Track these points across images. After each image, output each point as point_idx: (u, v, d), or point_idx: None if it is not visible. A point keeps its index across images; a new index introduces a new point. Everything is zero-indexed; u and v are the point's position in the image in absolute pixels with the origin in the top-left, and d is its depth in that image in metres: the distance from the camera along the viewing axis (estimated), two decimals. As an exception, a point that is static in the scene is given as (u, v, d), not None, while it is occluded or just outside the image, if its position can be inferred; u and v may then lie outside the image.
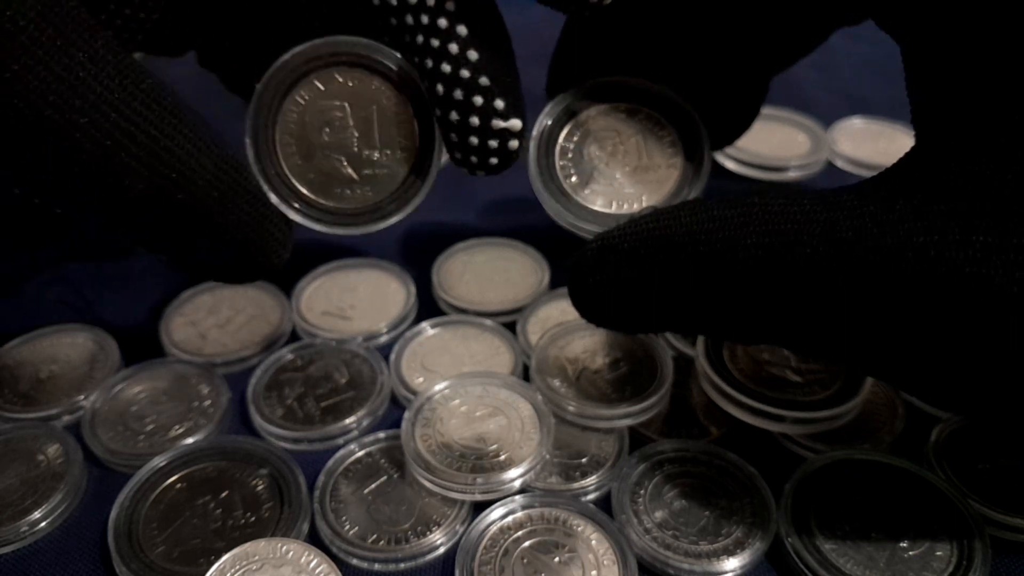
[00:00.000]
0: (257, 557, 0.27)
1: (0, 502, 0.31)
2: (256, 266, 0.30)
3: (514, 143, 0.28)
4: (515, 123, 0.27)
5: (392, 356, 0.37)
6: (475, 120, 0.27)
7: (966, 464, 0.31)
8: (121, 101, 0.24)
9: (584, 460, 0.32)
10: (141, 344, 0.38)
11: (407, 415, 0.32)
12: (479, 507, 0.30)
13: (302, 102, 0.29)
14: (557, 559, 0.28)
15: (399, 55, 0.29)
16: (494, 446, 0.31)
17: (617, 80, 0.32)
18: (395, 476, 0.31)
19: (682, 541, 0.29)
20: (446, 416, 0.32)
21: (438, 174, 0.30)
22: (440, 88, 0.27)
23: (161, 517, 0.30)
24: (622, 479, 0.31)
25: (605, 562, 0.28)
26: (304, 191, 0.30)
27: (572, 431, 0.33)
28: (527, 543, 0.29)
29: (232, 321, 0.39)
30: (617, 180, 0.32)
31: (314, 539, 0.30)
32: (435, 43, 0.27)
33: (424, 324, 0.38)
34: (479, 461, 0.30)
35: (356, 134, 0.29)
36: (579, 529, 0.29)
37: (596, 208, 0.31)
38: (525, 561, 0.28)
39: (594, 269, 0.27)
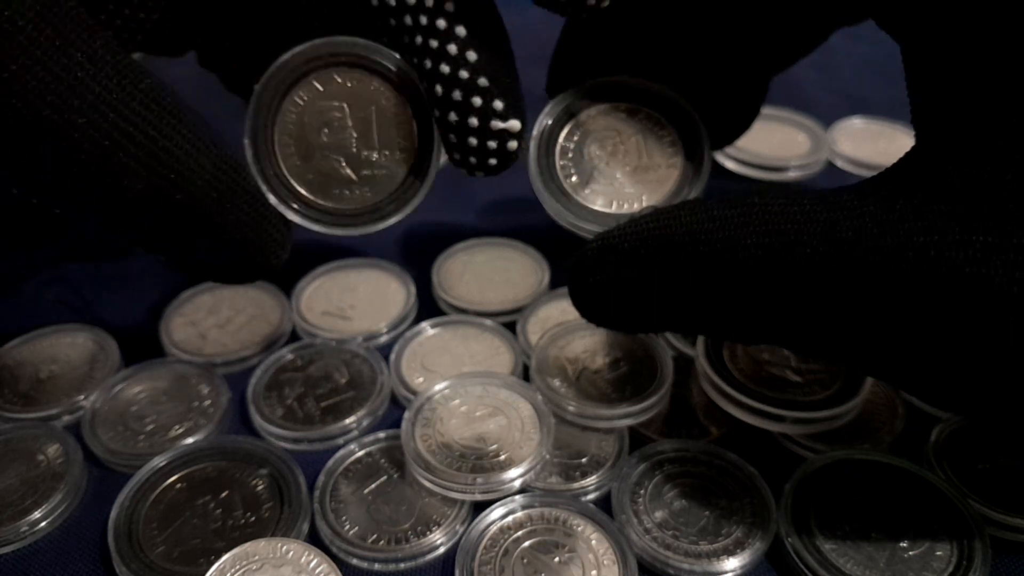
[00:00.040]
0: (257, 557, 0.27)
1: (0, 502, 0.31)
2: (255, 266, 0.30)
3: (513, 144, 0.28)
4: (514, 124, 0.27)
5: (392, 356, 0.37)
6: (474, 121, 0.27)
7: (966, 464, 0.31)
8: (119, 101, 0.24)
9: (584, 460, 0.32)
10: (141, 344, 0.38)
11: (407, 415, 0.32)
12: (479, 507, 0.30)
13: (301, 103, 0.29)
14: (557, 559, 0.28)
15: (398, 56, 0.29)
16: (494, 446, 0.31)
17: (617, 80, 0.32)
18: (395, 476, 0.31)
19: (682, 541, 0.29)
20: (446, 416, 0.32)
21: (438, 174, 0.30)
22: (439, 89, 0.27)
23: (161, 517, 0.30)
24: (622, 479, 0.31)
25: (605, 562, 0.28)
26: (303, 192, 0.30)
27: (572, 431, 0.33)
28: (527, 543, 0.29)
29: (232, 321, 0.39)
30: (617, 180, 0.32)
31: (314, 539, 0.30)
32: (434, 44, 0.27)
33: (424, 324, 0.38)
34: (479, 461, 0.30)
35: (355, 135, 0.29)
36: (579, 529, 0.29)
37: (596, 208, 0.31)
38: (525, 561, 0.28)
39: (594, 269, 0.27)
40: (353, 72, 0.29)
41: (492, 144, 0.27)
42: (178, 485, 0.31)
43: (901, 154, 0.25)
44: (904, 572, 0.27)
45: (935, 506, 0.29)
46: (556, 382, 0.34)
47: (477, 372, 0.35)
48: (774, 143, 0.52)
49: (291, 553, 0.27)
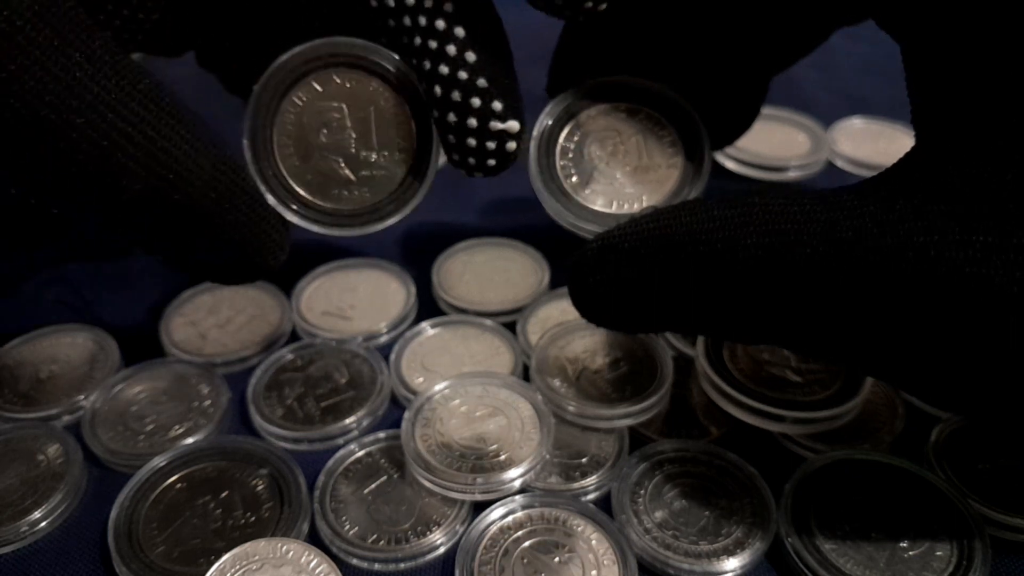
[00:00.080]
0: (257, 557, 0.27)
1: (0, 502, 0.31)
2: (253, 267, 0.30)
3: (512, 144, 0.28)
4: (513, 125, 0.27)
5: (392, 356, 0.37)
6: (473, 122, 0.27)
7: (966, 464, 0.31)
8: (118, 101, 0.24)
9: (584, 460, 0.32)
10: (141, 344, 0.38)
11: (407, 415, 0.32)
12: (479, 507, 0.30)
13: (300, 103, 0.29)
14: (557, 559, 0.28)
15: (397, 56, 0.29)
16: (494, 446, 0.31)
17: (617, 80, 0.32)
18: (395, 476, 0.31)
19: (682, 541, 0.29)
20: (446, 416, 0.32)
21: (437, 175, 0.30)
22: (438, 90, 0.27)
23: (161, 517, 0.30)
24: (622, 479, 0.31)
25: (605, 562, 0.28)
26: (302, 192, 0.30)
27: (572, 431, 0.33)
28: (527, 543, 0.29)
29: (232, 321, 0.39)
30: (617, 180, 0.32)
31: (314, 539, 0.30)
32: (433, 45, 0.27)
33: (424, 324, 0.38)
34: (479, 461, 0.30)
35: (354, 135, 0.29)
36: (579, 529, 0.29)
37: (596, 208, 0.31)
38: (525, 561, 0.28)
39: (594, 269, 0.27)
40: (352, 73, 0.29)
41: (491, 145, 0.27)
42: (178, 485, 0.31)
43: (901, 154, 0.25)
44: (904, 572, 0.27)
45: (935, 506, 0.29)
46: (556, 382, 0.34)
47: (477, 372, 0.35)
48: (774, 143, 0.52)
49: (291, 553, 0.27)
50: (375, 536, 0.29)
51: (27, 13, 0.23)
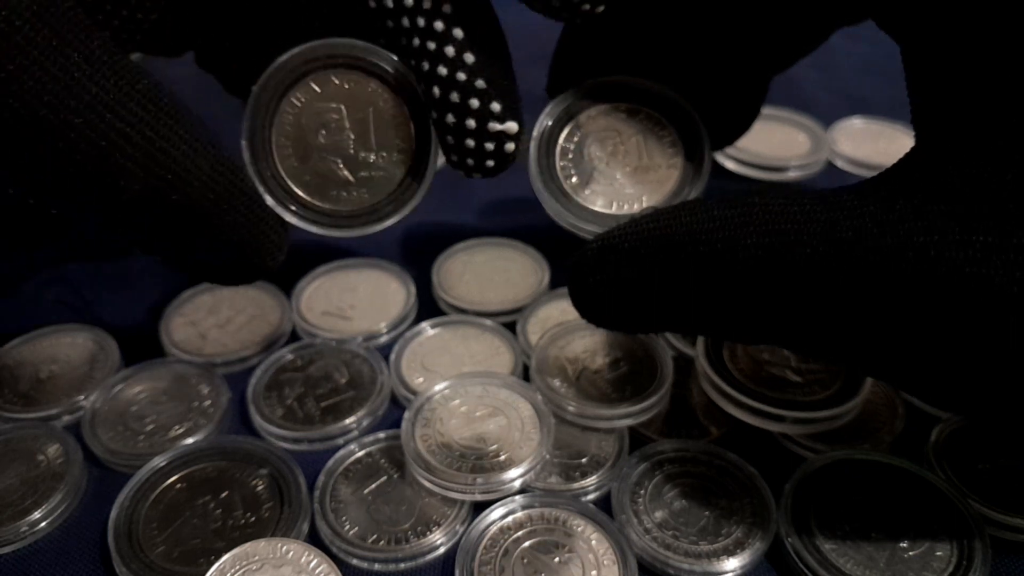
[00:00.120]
0: (257, 557, 0.27)
1: (0, 502, 0.31)
2: (252, 267, 0.30)
3: (511, 146, 0.28)
4: (511, 126, 0.27)
5: (392, 356, 0.37)
6: (472, 123, 0.27)
7: (966, 464, 0.31)
8: (117, 102, 0.24)
9: (584, 460, 0.32)
10: (141, 344, 0.38)
11: (407, 415, 0.32)
12: (479, 507, 0.30)
13: (298, 104, 0.29)
14: (557, 559, 0.28)
15: (396, 57, 0.29)
16: (494, 446, 0.31)
17: (617, 80, 0.32)
18: (395, 476, 0.31)
19: (682, 541, 0.29)
20: (446, 416, 0.32)
21: (437, 175, 0.30)
22: (436, 91, 0.27)
23: (161, 517, 0.30)
24: (622, 479, 0.31)
25: (605, 562, 0.28)
26: (300, 193, 0.30)
27: (572, 431, 0.33)
28: (527, 543, 0.29)
29: (232, 321, 0.39)
30: (617, 180, 0.32)
31: (314, 539, 0.30)
32: (431, 46, 0.27)
33: (424, 324, 0.38)
34: (479, 461, 0.30)
35: (352, 136, 0.29)
36: (579, 529, 0.29)
37: (596, 208, 0.31)
38: (525, 561, 0.28)
39: (594, 269, 0.27)
40: (351, 74, 0.29)
41: (489, 146, 0.27)
42: (178, 485, 0.31)
43: (901, 154, 0.25)
44: (904, 572, 0.27)
45: (935, 506, 0.29)
46: (556, 382, 0.34)
47: (477, 372, 0.35)
48: (774, 143, 0.52)
49: (291, 553, 0.27)
50: (375, 536, 0.29)
51: (26, 13, 0.23)
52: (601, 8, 0.27)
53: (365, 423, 0.34)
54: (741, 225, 0.24)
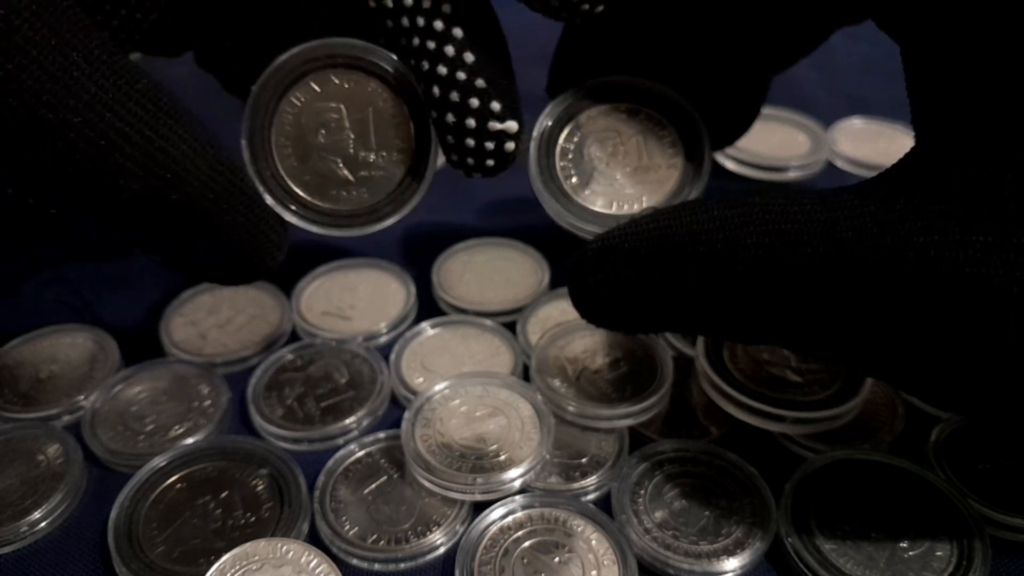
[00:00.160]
0: (257, 557, 0.27)
1: (0, 502, 0.31)
2: (251, 268, 0.30)
3: (510, 145, 0.28)
4: (511, 125, 0.27)
5: (392, 356, 0.37)
6: (471, 122, 0.27)
7: (966, 464, 0.31)
8: (116, 101, 0.24)
9: (584, 460, 0.32)
10: (141, 344, 0.38)
11: (407, 415, 0.32)
12: (479, 507, 0.30)
13: (298, 104, 0.29)
14: (557, 559, 0.28)
15: (395, 57, 0.29)
16: (494, 446, 0.31)
17: (617, 80, 0.32)
18: (395, 476, 0.31)
19: (682, 541, 0.29)
20: (446, 416, 0.32)
21: (437, 175, 0.30)
22: (436, 90, 0.27)
23: (161, 517, 0.30)
24: (622, 479, 0.31)
25: (605, 562, 0.28)
26: (300, 193, 0.30)
27: (572, 431, 0.33)
28: (527, 543, 0.29)
29: (232, 321, 0.39)
30: (617, 180, 0.32)
31: (314, 539, 0.30)
32: (431, 45, 0.27)
33: (424, 324, 0.38)
34: (479, 461, 0.30)
35: (352, 136, 0.29)
36: (579, 529, 0.29)
37: (596, 209, 0.31)
38: (525, 561, 0.28)
39: (594, 269, 0.27)
40: (350, 73, 0.29)
41: (489, 145, 0.28)
42: (178, 485, 0.31)
43: (901, 154, 0.25)
44: (904, 572, 0.27)
45: (935, 506, 0.29)
46: (556, 382, 0.34)
47: (477, 372, 0.35)
48: (774, 143, 0.52)
49: (291, 553, 0.27)
50: (375, 536, 0.29)
51: (25, 12, 0.23)
52: (600, 8, 0.27)
53: (365, 423, 0.34)
54: (741, 225, 0.24)
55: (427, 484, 0.30)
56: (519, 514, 0.29)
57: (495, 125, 0.27)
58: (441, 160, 0.29)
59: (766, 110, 0.40)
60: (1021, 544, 0.29)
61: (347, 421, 0.34)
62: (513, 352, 0.37)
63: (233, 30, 0.32)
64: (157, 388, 0.35)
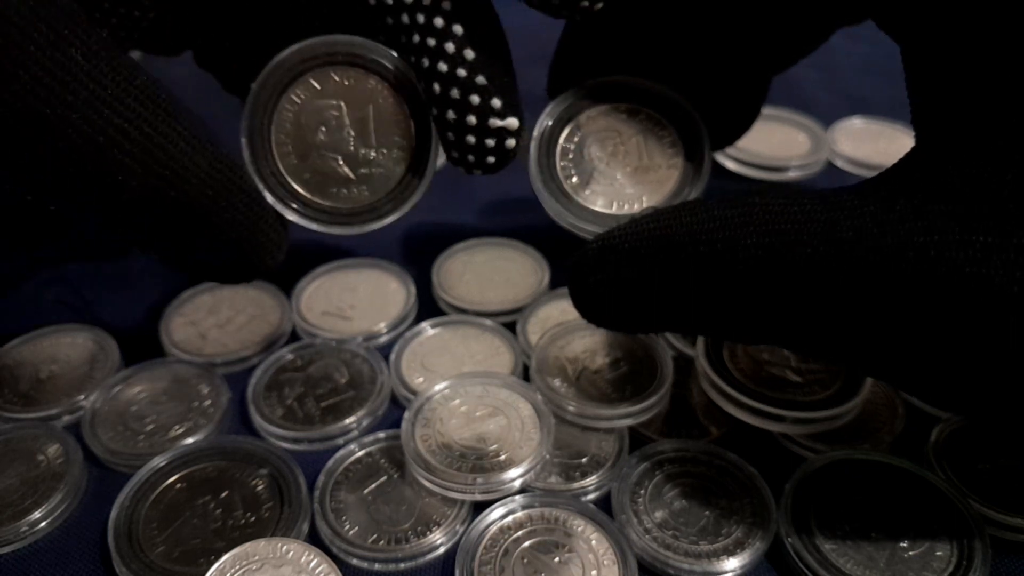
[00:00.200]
0: (257, 557, 0.27)
1: (0, 502, 0.31)
2: (251, 267, 0.30)
3: (511, 142, 0.28)
4: (512, 122, 0.27)
5: (392, 356, 0.37)
6: (472, 119, 0.27)
7: (966, 464, 0.31)
8: (115, 98, 0.24)
9: (584, 460, 0.32)
10: (141, 344, 0.38)
11: (407, 415, 0.32)
12: (479, 507, 0.30)
13: (298, 101, 0.29)
14: (557, 559, 0.28)
15: (395, 54, 0.29)
16: (494, 446, 0.31)
17: (617, 80, 0.32)
18: (395, 476, 0.31)
19: (682, 541, 0.29)
20: (446, 416, 0.32)
21: (437, 175, 0.30)
22: (437, 87, 0.27)
23: (161, 517, 0.30)
24: (622, 479, 0.31)
25: (605, 562, 0.28)
26: (300, 190, 0.30)
27: (572, 431, 0.33)
28: (527, 543, 0.29)
29: (232, 321, 0.39)
30: (618, 180, 0.32)
31: (314, 539, 0.30)
32: (431, 42, 0.27)
33: (424, 324, 0.38)
34: (479, 461, 0.30)
35: (352, 133, 0.29)
36: (579, 529, 0.29)
37: (597, 208, 0.31)
38: (525, 561, 0.28)
39: (594, 269, 0.27)
40: (350, 71, 0.29)
41: (490, 142, 0.28)
42: (178, 485, 0.31)
43: (901, 154, 0.25)
44: (904, 572, 0.27)
45: (935, 506, 0.29)
46: (556, 382, 0.34)
47: (477, 372, 0.35)
48: (774, 143, 0.52)
49: (291, 553, 0.27)
50: (375, 536, 0.29)
51: (23, 8, 0.23)
52: (600, 5, 0.27)
53: (365, 423, 0.34)
54: (741, 225, 0.24)
55: (427, 484, 0.30)
56: (519, 514, 0.29)
57: (496, 122, 0.27)
58: (441, 158, 0.29)
59: (766, 110, 0.40)
60: (1021, 544, 0.29)
61: (347, 421, 0.34)
62: (513, 352, 0.37)
63: (233, 29, 0.32)
64: (157, 388, 0.35)
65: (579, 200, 0.31)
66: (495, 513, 0.29)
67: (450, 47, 0.26)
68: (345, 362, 0.37)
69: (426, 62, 0.27)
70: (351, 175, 0.30)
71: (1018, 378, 0.22)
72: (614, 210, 0.31)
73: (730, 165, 0.51)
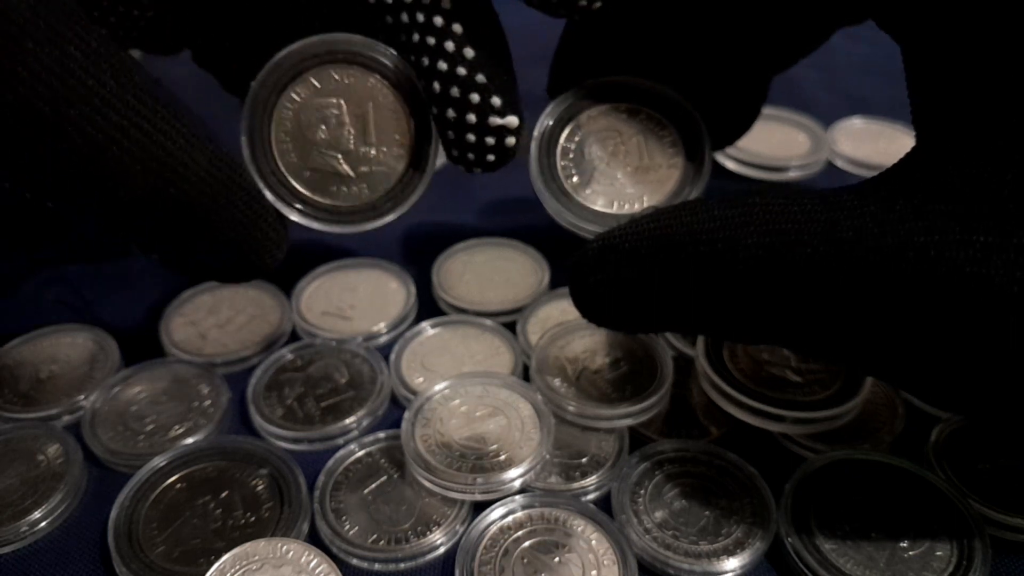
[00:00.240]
0: (257, 557, 0.27)
1: (0, 502, 0.31)
2: (251, 266, 0.30)
3: (511, 140, 0.28)
4: (512, 120, 0.27)
5: (392, 356, 0.37)
6: (472, 117, 0.27)
7: (966, 464, 0.31)
8: (114, 95, 0.24)
9: (584, 460, 0.32)
10: (141, 344, 0.38)
11: (407, 415, 0.32)
12: (479, 507, 0.30)
13: (298, 99, 0.29)
14: (557, 559, 0.28)
15: (395, 53, 0.29)
16: (494, 446, 0.31)
17: (618, 80, 0.32)
18: (395, 476, 0.31)
19: (682, 541, 0.29)
20: (446, 416, 0.32)
21: (438, 175, 0.30)
22: (437, 86, 0.27)
23: (161, 517, 0.30)
24: (622, 479, 0.31)
25: (605, 562, 0.28)
26: (300, 189, 0.30)
27: (572, 431, 0.33)
28: (527, 543, 0.29)
29: (232, 321, 0.39)
30: (618, 180, 0.32)
31: (314, 539, 0.30)
32: (431, 41, 0.27)
33: (424, 324, 0.38)
34: (479, 461, 0.30)
35: (352, 132, 0.29)
36: (579, 529, 0.29)
37: (597, 208, 0.31)
38: (525, 561, 0.28)
39: (595, 268, 0.27)
40: (350, 69, 0.29)
41: (490, 140, 0.28)
42: (178, 485, 0.31)
43: (901, 154, 0.25)
44: (904, 572, 0.27)
45: (935, 506, 0.29)
46: (556, 382, 0.34)
47: (477, 372, 0.35)
48: (774, 143, 0.52)
49: (291, 553, 0.27)
50: (375, 536, 0.29)
51: (21, 6, 0.22)
52: (598, 4, 0.27)
53: (365, 423, 0.34)
54: (742, 225, 0.24)
55: (427, 484, 0.30)
56: (519, 514, 0.29)
57: (495, 120, 0.27)
58: (442, 157, 0.29)
59: (766, 110, 0.40)
60: (1021, 544, 0.29)
61: (347, 421, 0.34)
62: (513, 352, 0.37)
63: (233, 28, 0.32)
64: (157, 388, 0.35)
65: (579, 200, 0.31)
66: (495, 513, 0.29)
67: (450, 45, 0.26)
68: (345, 362, 0.37)
69: (426, 61, 0.27)
70: (351, 173, 0.30)
71: (1018, 378, 0.22)
72: (614, 210, 0.31)
73: (730, 165, 0.51)
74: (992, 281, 0.21)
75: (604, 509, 0.30)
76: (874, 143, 0.53)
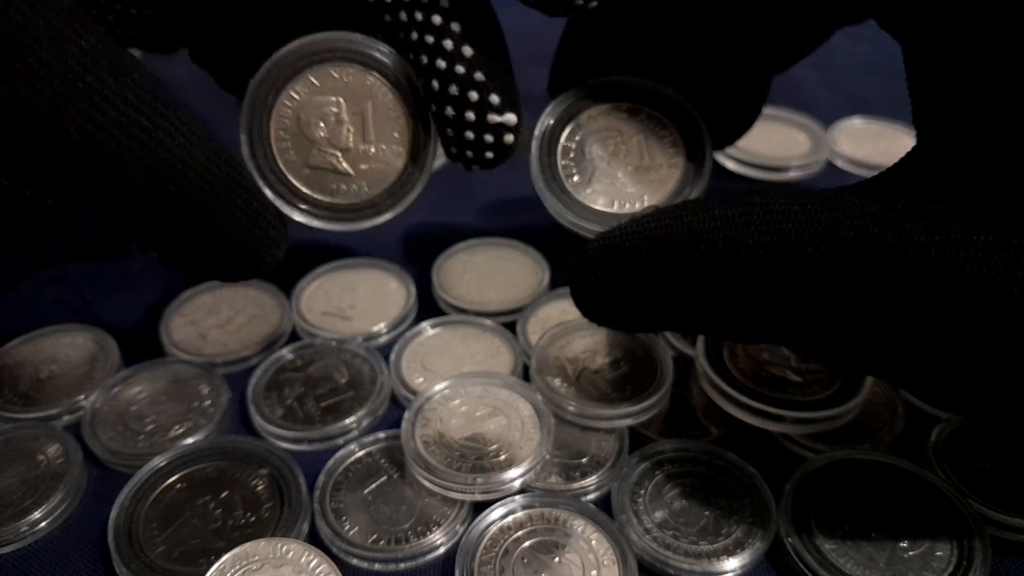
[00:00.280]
0: (257, 557, 0.27)
1: (0, 502, 0.30)
2: (250, 264, 0.30)
3: (509, 137, 0.28)
4: (510, 118, 0.27)
5: (392, 356, 0.37)
6: (470, 115, 0.27)
7: (966, 464, 0.31)
8: (113, 92, 0.24)
9: (584, 460, 0.32)
10: (141, 344, 0.38)
11: (407, 415, 0.32)
12: (479, 507, 0.30)
13: (297, 97, 0.29)
14: (557, 559, 0.28)
15: (394, 51, 0.29)
16: (494, 446, 0.31)
17: (618, 80, 0.32)
18: (395, 476, 0.31)
19: (682, 541, 0.29)
20: (446, 416, 0.32)
21: (438, 174, 0.30)
22: (435, 84, 0.27)
23: (161, 517, 0.30)
24: (622, 479, 0.31)
25: (605, 562, 0.28)
26: (299, 187, 0.30)
27: (572, 431, 0.33)
28: (527, 543, 0.29)
29: (232, 321, 0.39)
30: (619, 180, 0.32)
31: (314, 539, 0.30)
32: (430, 39, 0.27)
33: (424, 324, 0.38)
34: (479, 461, 0.30)
35: (351, 129, 0.29)
36: (579, 529, 0.29)
37: (598, 207, 0.31)
38: (525, 561, 0.28)
39: (595, 268, 0.27)
40: (349, 67, 0.29)
41: (489, 138, 0.28)
42: (178, 485, 0.31)
43: (901, 154, 0.25)
44: (904, 572, 0.27)
45: (935, 506, 0.29)
46: (556, 382, 0.34)
47: (477, 372, 0.35)
48: (774, 143, 0.52)
49: (291, 553, 0.27)
50: (375, 536, 0.29)
51: (21, 4, 0.22)
52: (595, 3, 0.27)
53: (365, 423, 0.34)
54: (742, 225, 0.24)
55: (427, 484, 0.30)
56: (519, 514, 0.29)
57: (494, 118, 0.27)
58: (441, 156, 0.29)
59: (766, 110, 0.40)
60: (1021, 544, 0.29)
61: (347, 421, 0.34)
62: (513, 352, 0.37)
63: (232, 27, 0.32)
64: (157, 388, 0.35)
65: (580, 199, 0.31)
66: (495, 513, 0.29)
67: (448, 44, 0.27)
68: (345, 362, 0.37)
69: (424, 59, 0.27)
70: (350, 171, 0.30)
71: (1018, 378, 0.22)
72: (615, 209, 0.31)
73: (730, 165, 0.51)
74: (992, 281, 0.21)
75: (604, 509, 0.30)
76: (874, 143, 0.53)
